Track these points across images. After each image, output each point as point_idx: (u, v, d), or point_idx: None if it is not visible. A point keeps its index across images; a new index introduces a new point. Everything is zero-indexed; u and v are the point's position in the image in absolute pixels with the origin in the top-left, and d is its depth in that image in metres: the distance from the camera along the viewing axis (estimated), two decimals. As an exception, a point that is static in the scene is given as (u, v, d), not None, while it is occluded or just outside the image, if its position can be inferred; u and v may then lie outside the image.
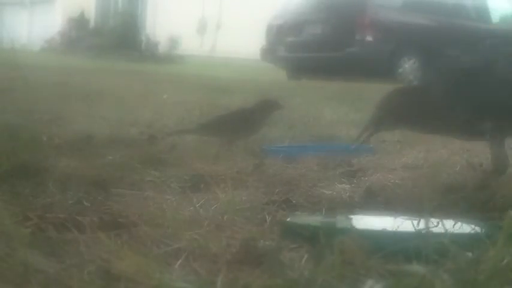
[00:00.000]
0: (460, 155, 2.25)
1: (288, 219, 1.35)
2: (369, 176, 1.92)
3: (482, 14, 9.30)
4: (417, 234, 1.14)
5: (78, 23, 15.62)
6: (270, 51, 9.64)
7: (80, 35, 14.98)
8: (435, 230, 1.15)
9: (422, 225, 1.19)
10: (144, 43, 14.83)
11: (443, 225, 1.16)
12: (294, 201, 1.56)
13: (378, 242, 1.06)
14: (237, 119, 2.29)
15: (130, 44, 14.22)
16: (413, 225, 1.22)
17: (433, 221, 1.18)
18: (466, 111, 1.72)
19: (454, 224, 1.25)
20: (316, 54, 8.66)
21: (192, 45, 15.41)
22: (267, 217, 1.40)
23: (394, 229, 1.21)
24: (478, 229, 1.21)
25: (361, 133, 1.90)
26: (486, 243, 1.04)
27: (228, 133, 2.26)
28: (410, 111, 1.79)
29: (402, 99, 1.83)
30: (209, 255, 1.10)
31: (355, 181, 1.85)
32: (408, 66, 8.61)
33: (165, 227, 1.24)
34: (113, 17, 16.73)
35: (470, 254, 1.03)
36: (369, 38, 8.48)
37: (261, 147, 2.38)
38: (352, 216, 1.35)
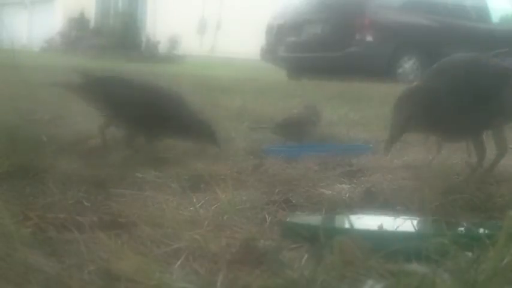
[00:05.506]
0: (460, 155, 2.25)
1: (288, 219, 1.35)
2: (368, 176, 1.92)
3: (482, 14, 9.30)
4: (417, 234, 1.14)
5: (78, 23, 15.63)
6: (270, 51, 9.64)
7: (80, 35, 14.98)
8: (435, 230, 1.15)
9: (422, 225, 1.19)
10: (144, 43, 14.83)
11: (443, 225, 1.16)
12: (294, 201, 1.56)
13: (378, 242, 1.06)
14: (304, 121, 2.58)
15: (130, 44, 14.22)
16: (413, 225, 1.22)
17: (433, 221, 1.18)
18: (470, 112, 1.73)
19: (454, 224, 1.25)
20: (316, 54, 8.66)
21: (192, 45, 15.40)
22: (267, 217, 1.40)
23: (394, 229, 1.21)
24: (477, 229, 1.21)
25: (390, 143, 1.77)
26: (486, 243, 1.04)
27: (297, 133, 2.55)
28: (429, 111, 1.72)
29: (421, 98, 1.73)
30: (209, 255, 1.10)
31: (355, 181, 1.85)
32: (408, 66, 8.61)
33: (165, 227, 1.24)
34: (113, 17, 16.74)
35: (470, 254, 1.03)
36: (369, 38, 8.48)
37: (261, 147, 2.38)
38: (352, 216, 1.35)
